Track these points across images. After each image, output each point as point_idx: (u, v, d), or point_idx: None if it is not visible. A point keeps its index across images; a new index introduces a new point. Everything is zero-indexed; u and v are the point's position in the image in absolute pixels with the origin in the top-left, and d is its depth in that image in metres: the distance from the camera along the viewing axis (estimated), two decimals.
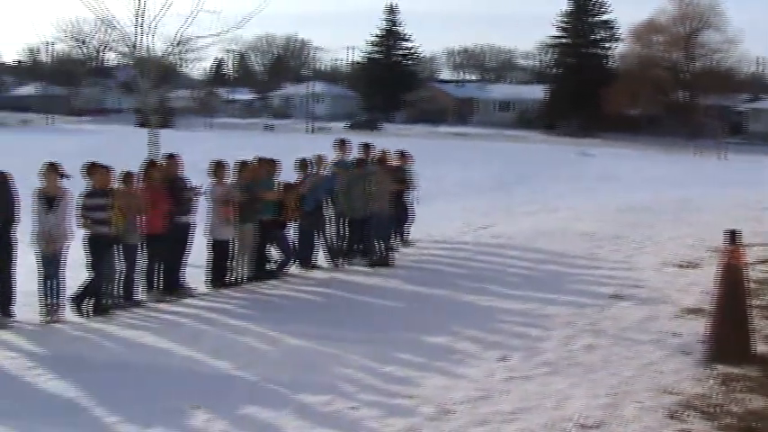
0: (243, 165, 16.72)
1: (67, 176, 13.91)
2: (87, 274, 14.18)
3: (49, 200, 13.74)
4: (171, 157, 15.96)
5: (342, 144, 19.61)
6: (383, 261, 17.99)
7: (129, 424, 9.01)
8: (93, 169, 14.21)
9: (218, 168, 16.21)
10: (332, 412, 9.30)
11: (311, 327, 12.99)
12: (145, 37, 22.03)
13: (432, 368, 10.83)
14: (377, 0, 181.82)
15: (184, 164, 16.15)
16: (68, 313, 14.02)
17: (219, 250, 16.16)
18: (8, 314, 13.54)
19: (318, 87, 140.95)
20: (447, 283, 16.49)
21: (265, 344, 12.15)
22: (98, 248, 14.08)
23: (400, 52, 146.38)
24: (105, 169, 14.30)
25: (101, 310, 14.08)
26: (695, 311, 13.20)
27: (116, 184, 14.41)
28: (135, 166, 15.16)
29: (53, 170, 13.84)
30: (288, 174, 17.91)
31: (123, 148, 40.85)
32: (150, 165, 15.58)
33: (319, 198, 18.05)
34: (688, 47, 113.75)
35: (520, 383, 10.16)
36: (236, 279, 16.44)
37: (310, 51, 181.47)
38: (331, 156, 19.29)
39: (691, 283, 15.73)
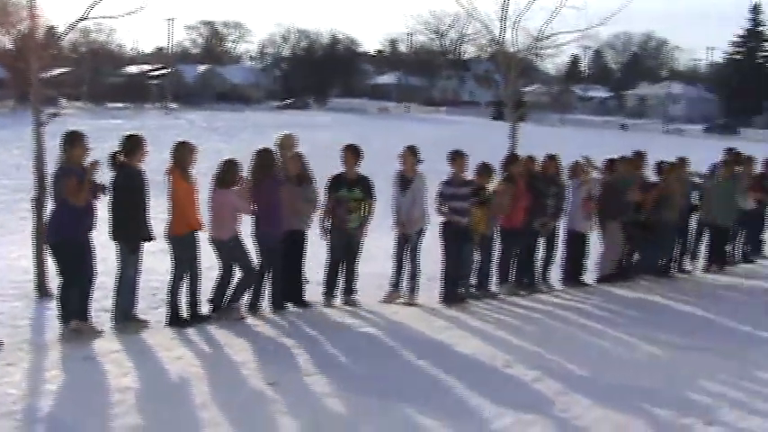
0: (611, 162, 16.64)
1: (419, 161, 14.12)
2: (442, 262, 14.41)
3: (404, 182, 14.05)
4: (550, 157, 15.91)
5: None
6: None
7: (486, 410, 9.08)
8: (455, 157, 14.32)
9: (576, 168, 16.14)
10: (685, 426, 9.02)
11: (667, 334, 12.68)
12: (508, 31, 22.09)
13: None
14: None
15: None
16: (422, 298, 14.29)
17: (576, 245, 16.06)
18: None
19: (675, 88, 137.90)
20: None
21: (618, 347, 11.95)
22: (451, 237, 14.25)
23: (764, 54, 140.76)
24: (464, 158, 14.37)
25: (456, 299, 14.23)
26: None
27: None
28: (490, 158, 15.20)
29: (411, 153, 14.12)
30: None
31: (479, 139, 41.51)
32: (511, 159, 15.62)
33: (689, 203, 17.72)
34: None
35: None
36: (600, 278, 16.41)
37: (668, 50, 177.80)
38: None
39: None
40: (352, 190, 13.55)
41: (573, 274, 16.11)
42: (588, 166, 16.32)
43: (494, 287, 15.13)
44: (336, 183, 13.64)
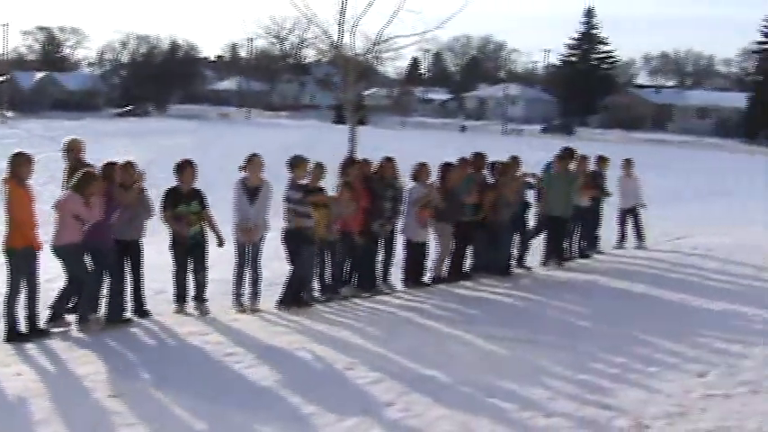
0: (447, 167, 16.66)
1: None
2: (289, 268, 14.38)
3: (252, 191, 14.01)
4: (387, 160, 15.89)
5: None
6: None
7: (323, 416, 9.15)
8: (297, 162, 14.36)
9: (420, 170, 16.20)
10: (525, 419, 9.25)
11: (506, 330, 12.93)
12: (346, 35, 22.27)
13: (628, 379, 10.69)
14: (574, 3, 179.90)
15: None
16: (264, 303, 14.23)
17: (415, 250, 16.20)
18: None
19: (513, 89, 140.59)
20: (644, 292, 16.23)
21: (459, 346, 12.11)
22: (299, 242, 14.25)
23: (597, 56, 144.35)
24: (305, 163, 14.42)
25: (299, 303, 14.23)
26: None
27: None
28: (331, 161, 15.29)
29: (258, 162, 14.09)
30: None
31: (321, 143, 41.56)
32: (348, 162, 15.68)
33: (525, 201, 18.06)
34: None
35: (719, 402, 9.94)
36: (435, 278, 16.52)
37: (506, 53, 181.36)
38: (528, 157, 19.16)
39: None
40: (189, 204, 13.48)
41: (414, 276, 16.25)
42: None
43: (338, 290, 15.14)
44: (173, 197, 13.52)
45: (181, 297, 13.76)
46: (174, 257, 13.67)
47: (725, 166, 61.55)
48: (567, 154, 19.17)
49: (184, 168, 13.63)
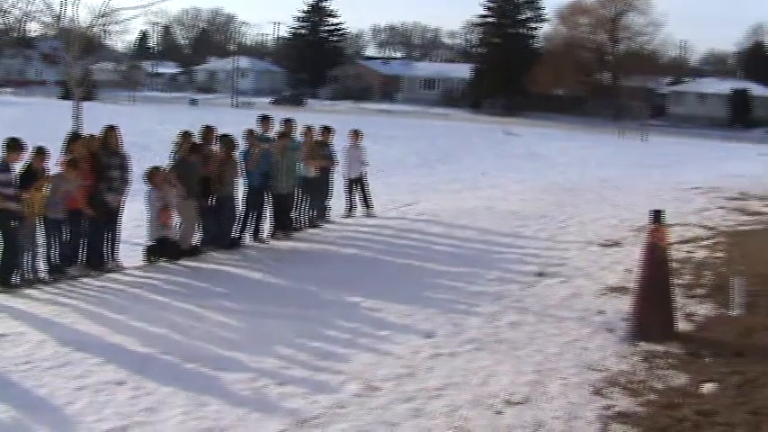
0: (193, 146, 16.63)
1: None
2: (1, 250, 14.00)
3: None
4: (110, 129, 15.63)
5: (265, 120, 19.50)
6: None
7: (54, 399, 8.96)
8: (11, 145, 13.86)
9: (155, 175, 16.00)
10: (258, 388, 9.26)
11: (237, 302, 12.96)
12: (69, 8, 21.68)
13: (358, 345, 10.87)
14: None
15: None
16: None
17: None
18: None
19: (243, 62, 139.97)
20: (373, 259, 16.56)
21: (189, 320, 12.01)
22: (8, 223, 13.86)
23: (326, 28, 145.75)
24: (21, 147, 13.96)
25: (17, 285, 13.89)
26: (618, 289, 13.36)
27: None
28: (59, 137, 14.90)
29: None
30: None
31: (46, 119, 40.35)
32: (73, 138, 15.32)
33: (265, 172, 18.02)
34: (613, 29, 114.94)
35: (446, 360, 10.22)
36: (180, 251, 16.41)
37: (236, 26, 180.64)
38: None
39: (614, 261, 15.90)
40: None
41: (154, 252, 16.05)
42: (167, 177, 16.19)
43: (65, 270, 14.78)
44: None
45: None
46: None
47: (450, 134, 63.33)
48: (288, 128, 19.32)
49: None
